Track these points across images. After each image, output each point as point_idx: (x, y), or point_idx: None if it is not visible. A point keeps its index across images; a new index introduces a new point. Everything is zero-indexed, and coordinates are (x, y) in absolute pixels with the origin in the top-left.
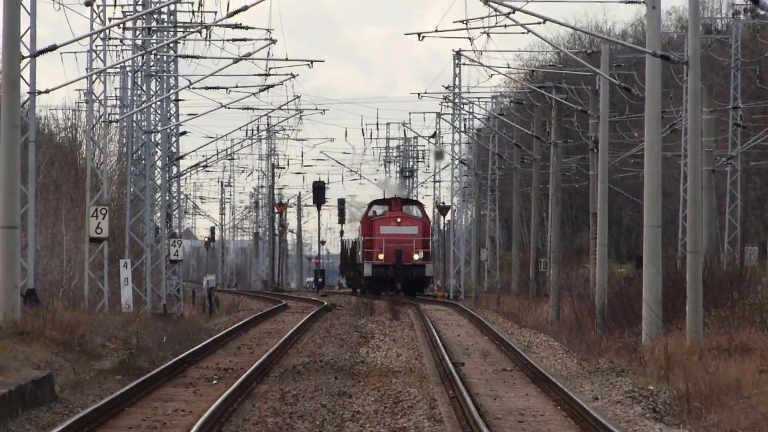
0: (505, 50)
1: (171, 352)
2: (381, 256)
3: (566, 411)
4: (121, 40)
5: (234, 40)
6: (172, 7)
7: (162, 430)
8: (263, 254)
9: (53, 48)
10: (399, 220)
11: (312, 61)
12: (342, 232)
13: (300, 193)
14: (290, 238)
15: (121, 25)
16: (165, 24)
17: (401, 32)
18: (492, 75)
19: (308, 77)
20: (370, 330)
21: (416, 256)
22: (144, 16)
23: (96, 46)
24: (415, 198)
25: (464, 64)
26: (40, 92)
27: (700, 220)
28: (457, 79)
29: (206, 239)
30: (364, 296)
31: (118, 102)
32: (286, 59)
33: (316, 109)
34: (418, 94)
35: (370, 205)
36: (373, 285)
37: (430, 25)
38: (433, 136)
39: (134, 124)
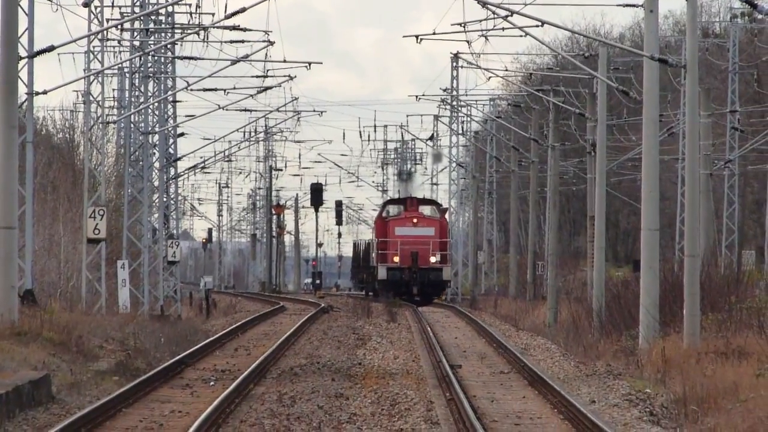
0: (503, 53)
1: (168, 353)
2: (396, 259)
3: (563, 414)
4: (119, 42)
5: (232, 41)
6: (170, 8)
7: (159, 431)
8: (261, 256)
9: (51, 49)
10: (415, 220)
11: (310, 63)
12: (340, 234)
13: (297, 194)
14: (288, 239)
15: (119, 27)
16: (163, 25)
17: (395, 35)
18: (490, 78)
19: (303, 79)
20: (368, 332)
21: (433, 259)
22: (142, 18)
23: (94, 47)
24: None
25: (462, 67)
26: (37, 93)
27: (698, 224)
28: (454, 81)
29: (204, 240)
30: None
31: (116, 103)
32: (284, 61)
33: (314, 110)
34: (416, 97)
35: (385, 204)
36: (387, 289)
37: (425, 28)
38: (431, 138)
39: (132, 126)
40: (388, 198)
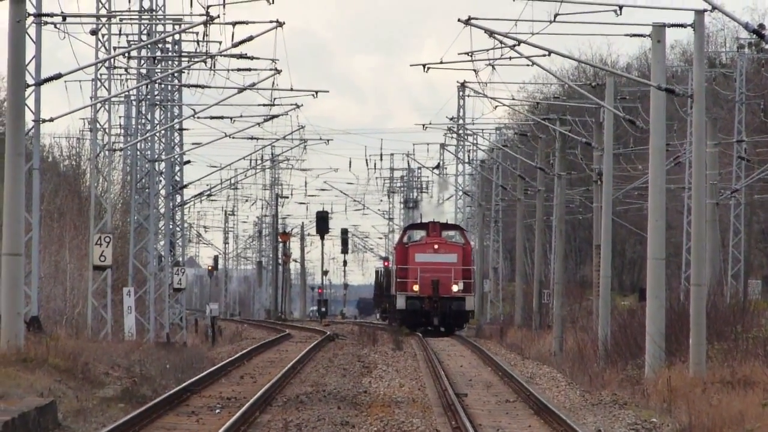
0: (510, 82)
1: (174, 380)
2: (416, 287)
3: None
4: (126, 69)
5: (239, 69)
6: (177, 36)
7: None
8: (266, 283)
9: (59, 76)
10: (436, 246)
11: (317, 92)
12: (345, 262)
13: (303, 222)
14: (293, 267)
15: (126, 54)
16: (170, 53)
17: (395, 61)
18: (496, 107)
19: (307, 106)
20: (373, 360)
21: (455, 288)
22: (149, 46)
23: (101, 74)
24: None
25: (469, 96)
26: (44, 120)
27: (704, 253)
28: (461, 110)
29: (210, 268)
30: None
31: (122, 130)
32: (291, 89)
33: (320, 138)
34: (423, 125)
35: (405, 229)
36: (406, 319)
37: (426, 56)
38: (437, 166)
39: (138, 153)
40: (408, 224)
